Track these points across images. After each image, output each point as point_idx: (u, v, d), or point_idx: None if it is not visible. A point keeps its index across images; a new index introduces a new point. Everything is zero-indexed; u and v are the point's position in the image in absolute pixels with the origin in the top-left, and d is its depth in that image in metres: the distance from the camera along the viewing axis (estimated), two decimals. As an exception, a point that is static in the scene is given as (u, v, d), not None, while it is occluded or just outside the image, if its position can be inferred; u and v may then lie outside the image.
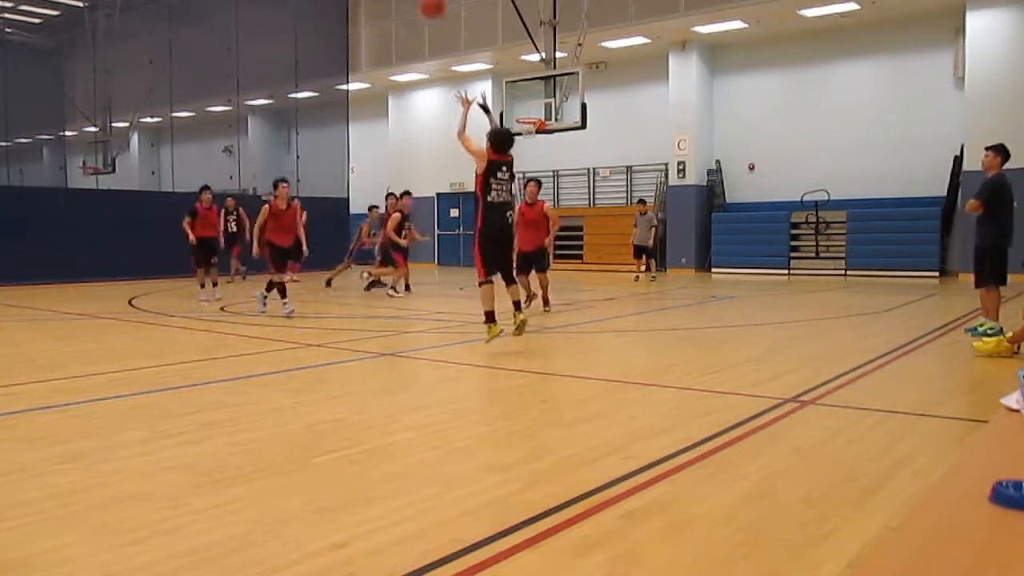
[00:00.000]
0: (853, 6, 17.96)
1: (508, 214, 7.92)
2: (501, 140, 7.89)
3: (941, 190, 18.12)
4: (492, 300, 7.83)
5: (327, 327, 10.16)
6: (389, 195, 15.27)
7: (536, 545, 2.98)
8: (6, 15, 31.10)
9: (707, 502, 3.47)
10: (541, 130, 14.18)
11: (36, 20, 32.74)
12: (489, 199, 7.79)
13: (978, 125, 16.35)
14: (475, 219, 8.04)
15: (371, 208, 16.43)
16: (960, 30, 17.72)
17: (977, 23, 17.19)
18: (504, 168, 7.86)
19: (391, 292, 14.13)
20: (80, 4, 28.89)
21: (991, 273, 8.19)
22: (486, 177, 7.77)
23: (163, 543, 3.04)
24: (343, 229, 24.20)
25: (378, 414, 5.40)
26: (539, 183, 11.63)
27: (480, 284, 7.93)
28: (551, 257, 11.73)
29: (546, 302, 11.43)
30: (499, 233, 7.90)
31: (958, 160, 17.64)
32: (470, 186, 17.80)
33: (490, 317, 7.78)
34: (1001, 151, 8.19)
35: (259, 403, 5.66)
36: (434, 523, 3.22)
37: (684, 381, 6.34)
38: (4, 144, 33.58)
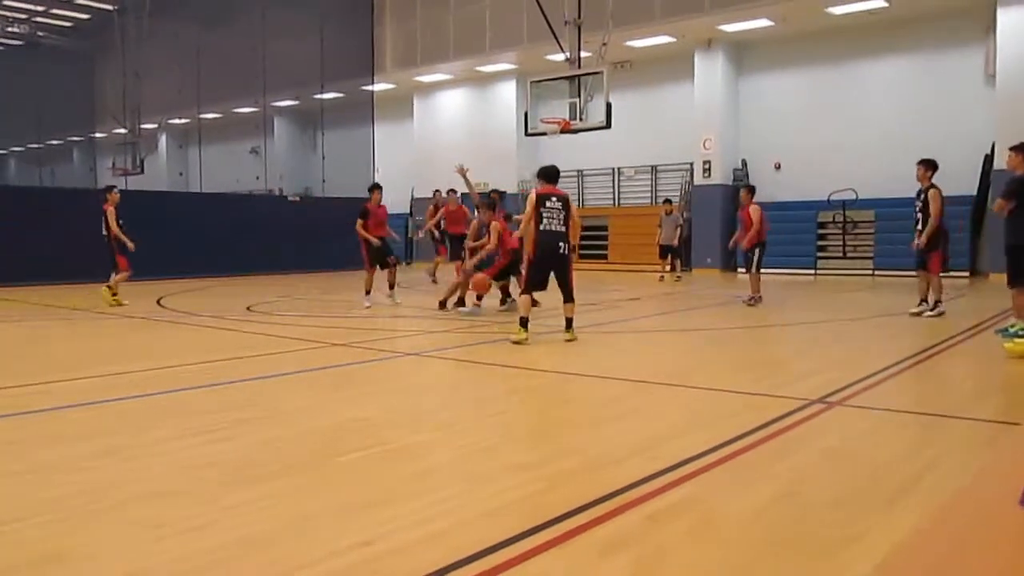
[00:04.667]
0: (881, 3, 17.76)
1: (560, 244, 8.48)
2: (549, 175, 8.74)
3: (971, 189, 17.86)
4: (528, 309, 8.41)
5: (351, 327, 10.21)
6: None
7: (560, 545, 2.98)
8: (37, 19, 31.58)
9: (733, 503, 3.45)
10: (566, 130, 14.14)
11: (67, 24, 33.23)
12: (541, 227, 8.43)
13: (1010, 123, 16.07)
14: (527, 247, 8.72)
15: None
16: (991, 27, 17.47)
17: (1008, 20, 16.93)
18: (554, 199, 8.52)
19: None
20: (110, 8, 29.28)
21: (1022, 272, 8.06)
22: (536, 209, 8.45)
23: (191, 539, 3.07)
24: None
25: (403, 413, 5.42)
26: (751, 189, 12.76)
27: (520, 294, 8.57)
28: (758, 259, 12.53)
29: (755, 299, 12.19)
30: (549, 258, 8.48)
31: (989, 159, 17.40)
32: (493, 186, 17.84)
33: (523, 323, 8.28)
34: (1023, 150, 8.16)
35: (286, 402, 5.70)
36: (459, 522, 3.23)
37: (710, 382, 6.31)
38: (36, 146, 34.11)
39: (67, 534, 3.15)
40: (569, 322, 8.59)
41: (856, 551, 2.91)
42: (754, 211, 12.31)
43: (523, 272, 8.59)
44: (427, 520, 3.25)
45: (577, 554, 2.92)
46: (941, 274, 10.40)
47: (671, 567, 2.83)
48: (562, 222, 8.51)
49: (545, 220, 8.43)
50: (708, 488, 3.69)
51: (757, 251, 12.36)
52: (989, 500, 1.78)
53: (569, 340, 8.42)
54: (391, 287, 12.37)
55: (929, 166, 10.42)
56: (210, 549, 2.97)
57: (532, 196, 8.60)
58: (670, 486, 3.65)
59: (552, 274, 8.66)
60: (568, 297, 8.66)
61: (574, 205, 8.81)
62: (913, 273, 11.09)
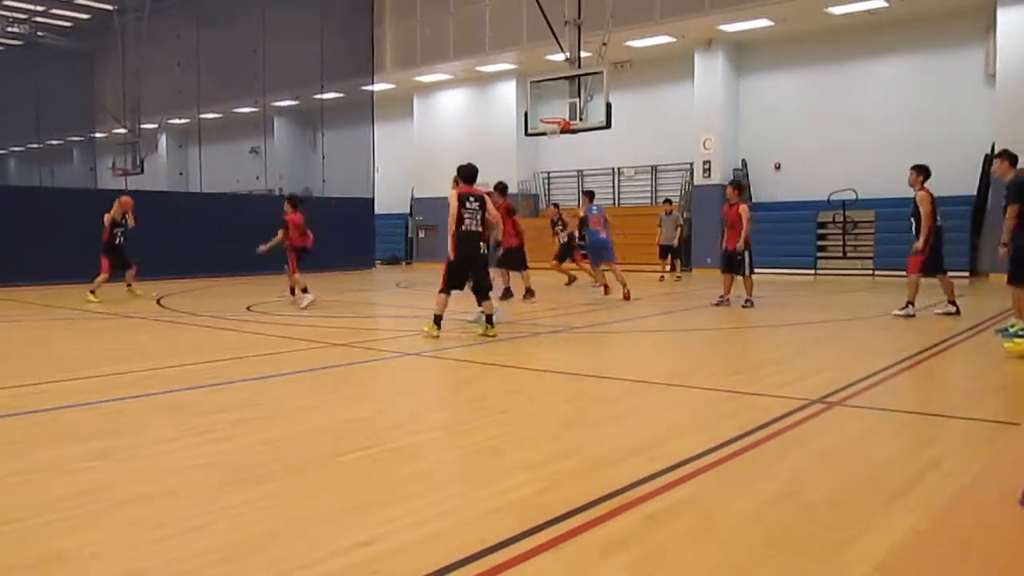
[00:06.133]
0: (881, 3, 17.77)
1: (480, 244, 8.73)
2: (468, 175, 8.85)
3: (971, 189, 17.86)
4: (444, 307, 8.75)
5: (351, 327, 10.22)
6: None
7: (560, 545, 2.98)
8: (37, 19, 31.57)
9: (732, 503, 3.45)
10: (565, 130, 14.15)
11: (67, 24, 33.22)
12: (463, 227, 8.63)
13: (1010, 123, 16.10)
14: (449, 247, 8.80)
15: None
16: (991, 27, 17.48)
17: (1008, 20, 16.94)
18: (472, 198, 8.70)
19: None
20: (110, 8, 29.28)
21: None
22: (459, 208, 8.62)
23: (190, 540, 3.07)
24: (368, 229, 24.41)
25: (403, 413, 5.42)
26: (738, 187, 12.43)
27: (439, 291, 8.79)
28: (749, 260, 11.99)
29: (750, 300, 11.83)
30: (468, 260, 8.72)
31: (988, 159, 17.39)
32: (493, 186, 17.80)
33: (437, 320, 8.64)
34: (1007, 156, 8.53)
35: (285, 402, 5.70)
36: (458, 522, 3.23)
37: (709, 382, 6.31)
38: (36, 146, 34.11)
39: (67, 534, 3.15)
40: (489, 318, 8.81)
41: (856, 551, 2.91)
42: (744, 210, 11.92)
43: (444, 275, 8.81)
44: (427, 520, 3.25)
45: (577, 554, 2.92)
46: (921, 276, 10.40)
47: (671, 567, 2.83)
48: (479, 222, 8.70)
49: (467, 220, 8.63)
50: (707, 488, 3.69)
51: (747, 252, 11.97)
52: (989, 500, 1.78)
53: (488, 335, 8.65)
54: (302, 291, 12.60)
55: (921, 171, 10.29)
56: (210, 549, 2.97)
57: (454, 195, 8.69)
58: (669, 486, 3.65)
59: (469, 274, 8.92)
60: (484, 296, 8.89)
61: (491, 203, 8.94)
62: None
